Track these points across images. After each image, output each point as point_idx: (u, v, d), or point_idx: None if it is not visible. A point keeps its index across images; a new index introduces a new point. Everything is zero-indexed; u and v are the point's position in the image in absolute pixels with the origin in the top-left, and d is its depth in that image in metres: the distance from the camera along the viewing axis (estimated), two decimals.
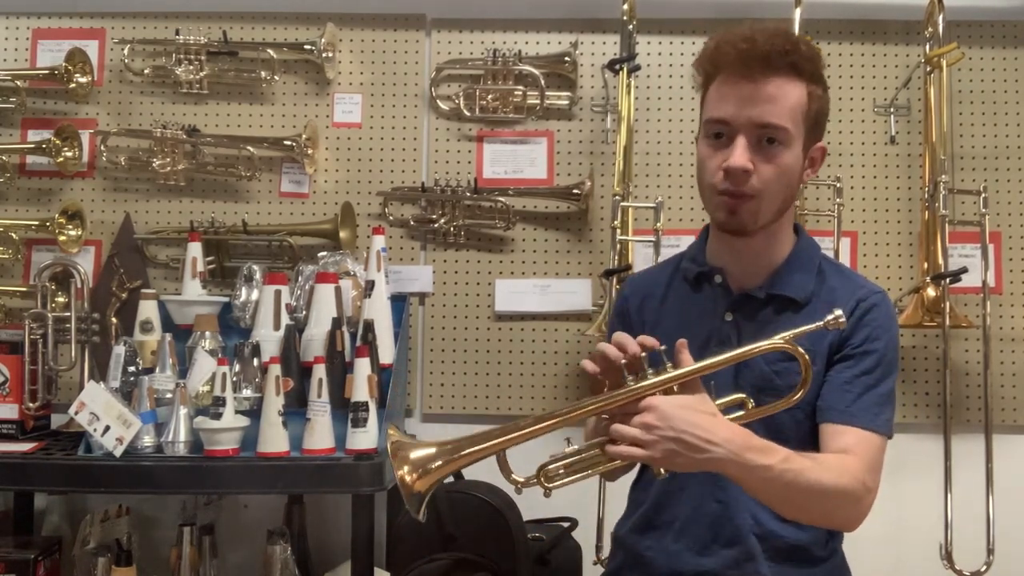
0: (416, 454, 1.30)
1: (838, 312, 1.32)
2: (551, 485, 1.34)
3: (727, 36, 1.43)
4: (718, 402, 1.34)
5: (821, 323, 1.32)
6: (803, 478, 1.30)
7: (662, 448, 1.25)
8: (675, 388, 1.31)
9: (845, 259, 2.52)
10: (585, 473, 1.34)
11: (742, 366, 1.45)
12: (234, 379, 2.06)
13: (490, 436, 1.30)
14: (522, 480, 1.34)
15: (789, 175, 1.43)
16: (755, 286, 1.50)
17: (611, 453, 1.29)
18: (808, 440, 1.43)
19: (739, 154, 1.39)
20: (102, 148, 2.62)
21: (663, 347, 1.31)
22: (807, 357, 1.33)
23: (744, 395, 1.38)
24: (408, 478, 1.28)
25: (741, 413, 1.36)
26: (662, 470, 1.31)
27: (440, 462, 1.30)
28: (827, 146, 1.50)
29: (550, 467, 1.35)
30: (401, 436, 1.35)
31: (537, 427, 1.30)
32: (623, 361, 1.31)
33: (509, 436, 1.30)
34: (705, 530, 1.48)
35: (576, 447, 1.35)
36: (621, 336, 1.34)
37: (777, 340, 1.32)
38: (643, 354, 1.31)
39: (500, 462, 1.33)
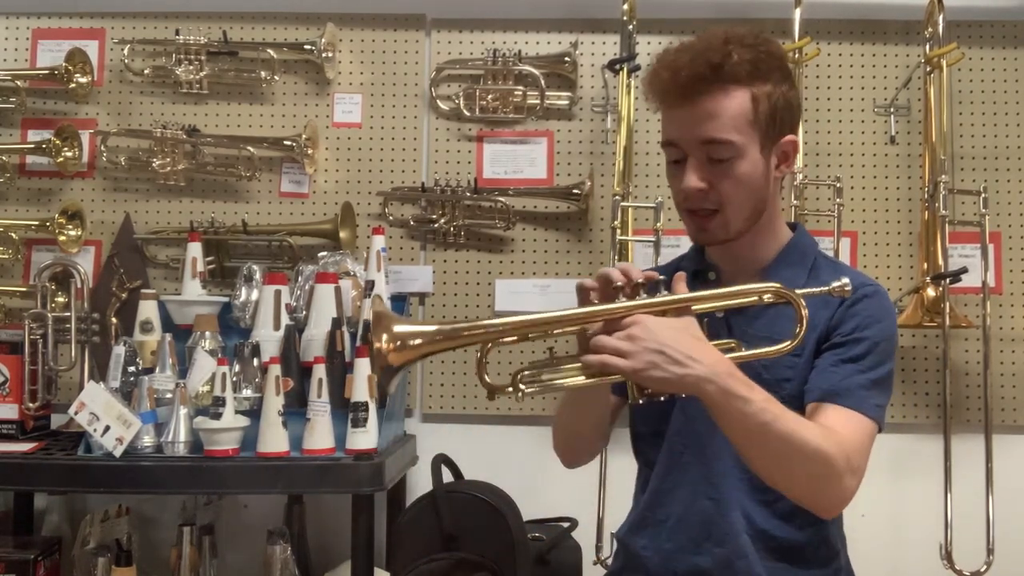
0: (400, 328, 1.28)
1: (845, 280, 1.32)
2: (525, 390, 1.33)
3: (656, 65, 1.44)
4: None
5: (827, 288, 1.32)
6: (782, 423, 1.28)
7: (643, 359, 1.24)
8: (667, 314, 1.31)
9: (845, 259, 2.52)
10: (560, 384, 1.33)
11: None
12: (234, 379, 2.06)
13: (476, 327, 1.30)
14: (496, 384, 1.33)
15: (751, 182, 1.43)
16: (745, 282, 1.50)
17: (589, 361, 1.28)
18: None
19: (689, 177, 1.42)
20: (102, 148, 2.62)
21: (663, 277, 1.32)
22: (801, 301, 1.32)
23: (735, 341, 1.38)
24: (384, 347, 1.27)
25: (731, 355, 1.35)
26: (635, 392, 1.31)
27: (420, 340, 1.29)
28: (798, 140, 1.48)
29: (526, 373, 1.34)
30: (387, 310, 1.34)
31: (524, 325, 1.30)
32: (621, 284, 1.31)
33: (496, 329, 1.30)
34: (698, 528, 1.47)
35: (555, 356, 1.35)
36: (626, 264, 1.34)
37: (772, 284, 1.33)
38: (642, 281, 1.31)
39: (479, 362, 1.32)
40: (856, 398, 1.39)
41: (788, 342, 1.34)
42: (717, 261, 1.55)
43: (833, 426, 1.36)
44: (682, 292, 1.33)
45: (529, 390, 1.33)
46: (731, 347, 1.37)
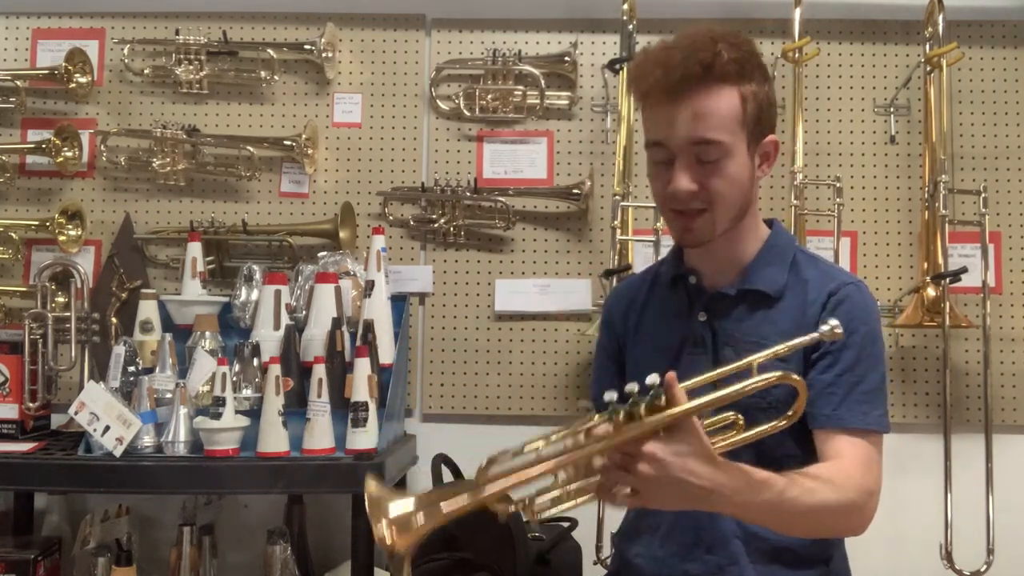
0: (397, 512, 1.22)
1: (834, 322, 1.27)
2: (538, 517, 1.30)
3: (644, 61, 1.42)
4: (707, 421, 1.30)
5: (817, 335, 1.28)
6: (803, 503, 1.29)
7: (661, 499, 1.23)
8: (671, 429, 1.23)
9: (845, 259, 2.52)
10: (573, 505, 1.30)
11: (733, 378, 1.43)
12: (234, 379, 2.06)
13: (479, 489, 1.23)
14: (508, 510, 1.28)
15: (738, 182, 1.42)
16: (727, 284, 1.50)
17: (608, 501, 1.26)
18: (793, 437, 1.41)
19: (679, 178, 1.40)
20: (102, 148, 2.62)
21: (657, 382, 1.21)
22: (805, 384, 1.28)
23: (733, 413, 1.32)
24: (388, 537, 1.22)
25: (734, 435, 1.31)
26: None
27: (422, 520, 1.22)
28: (778, 140, 1.48)
29: (538, 500, 1.29)
30: (380, 490, 1.26)
31: (526, 476, 1.23)
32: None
33: (497, 490, 1.23)
34: (688, 535, 1.47)
35: (568, 483, 1.29)
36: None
37: (775, 373, 1.25)
38: (636, 388, 1.22)
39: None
40: (858, 417, 1.39)
41: (785, 419, 1.30)
42: (696, 264, 1.53)
43: (843, 455, 1.37)
44: (681, 401, 1.20)
45: (542, 516, 1.30)
46: (731, 422, 1.32)
